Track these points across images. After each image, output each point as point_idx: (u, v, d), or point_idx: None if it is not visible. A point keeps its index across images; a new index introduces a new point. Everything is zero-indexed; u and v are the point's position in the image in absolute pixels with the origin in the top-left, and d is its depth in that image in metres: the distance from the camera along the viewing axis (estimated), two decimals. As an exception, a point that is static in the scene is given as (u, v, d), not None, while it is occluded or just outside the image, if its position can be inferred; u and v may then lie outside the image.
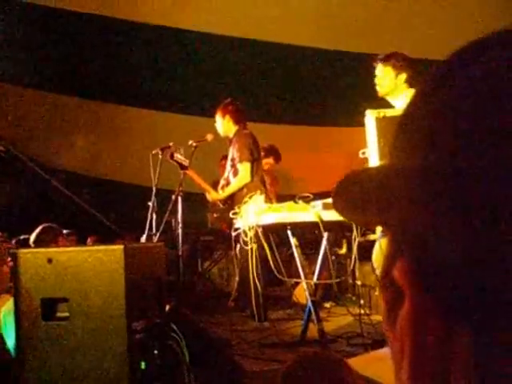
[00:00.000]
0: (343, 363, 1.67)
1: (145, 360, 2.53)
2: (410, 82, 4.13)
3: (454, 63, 0.41)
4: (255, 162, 5.52)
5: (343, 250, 6.39)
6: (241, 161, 5.46)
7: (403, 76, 4.13)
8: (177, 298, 4.61)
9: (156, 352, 2.57)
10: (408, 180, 0.39)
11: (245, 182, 5.47)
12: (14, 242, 5.31)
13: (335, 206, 0.54)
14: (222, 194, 5.74)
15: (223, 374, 3.15)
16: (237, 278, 5.54)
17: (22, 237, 5.37)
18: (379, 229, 4.17)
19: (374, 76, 4.27)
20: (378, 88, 4.23)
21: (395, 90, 4.15)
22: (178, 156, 5.60)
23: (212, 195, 5.82)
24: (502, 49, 0.38)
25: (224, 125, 5.64)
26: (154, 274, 2.84)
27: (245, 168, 5.45)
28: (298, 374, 1.59)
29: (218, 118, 5.68)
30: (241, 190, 5.50)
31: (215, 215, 6.83)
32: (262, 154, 6.62)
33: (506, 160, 0.34)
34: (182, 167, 5.65)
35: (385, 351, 3.76)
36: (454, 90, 0.39)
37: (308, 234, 6.07)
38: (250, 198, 4.86)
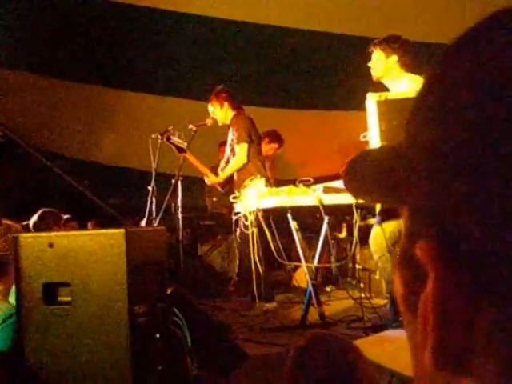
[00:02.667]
0: (353, 345, 1.67)
1: (146, 343, 2.53)
2: (405, 65, 4.12)
3: (461, 44, 0.40)
4: (253, 144, 5.50)
5: (343, 234, 6.41)
6: (238, 142, 5.46)
7: (394, 58, 4.13)
8: (177, 283, 4.62)
9: (157, 336, 2.57)
10: (427, 156, 0.39)
11: (242, 163, 5.46)
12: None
13: (346, 186, 0.54)
14: (220, 176, 5.74)
15: (225, 358, 3.16)
16: (237, 262, 5.55)
17: (24, 223, 5.36)
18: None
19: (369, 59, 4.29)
20: (372, 72, 4.24)
21: (388, 72, 4.15)
22: (175, 139, 5.59)
23: (210, 178, 5.82)
24: (504, 32, 0.37)
25: (222, 113, 5.60)
26: (155, 258, 2.83)
27: (242, 149, 5.44)
28: (308, 355, 1.59)
29: (215, 106, 5.63)
30: (240, 173, 5.49)
31: (214, 199, 6.84)
32: (267, 139, 6.62)
33: None
34: (180, 150, 5.64)
35: (385, 335, 3.77)
36: (463, 66, 0.38)
37: (307, 217, 6.09)
38: (251, 181, 4.86)
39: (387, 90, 4.12)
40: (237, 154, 5.49)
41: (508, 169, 0.34)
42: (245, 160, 5.44)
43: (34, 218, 5.04)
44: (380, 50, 4.18)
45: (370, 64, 4.23)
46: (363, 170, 0.50)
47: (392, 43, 4.17)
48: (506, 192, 0.34)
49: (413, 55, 4.17)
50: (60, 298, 2.54)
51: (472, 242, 0.36)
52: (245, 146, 5.43)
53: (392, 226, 4.13)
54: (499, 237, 0.34)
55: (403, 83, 4.09)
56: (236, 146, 5.48)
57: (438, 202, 0.38)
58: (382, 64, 4.16)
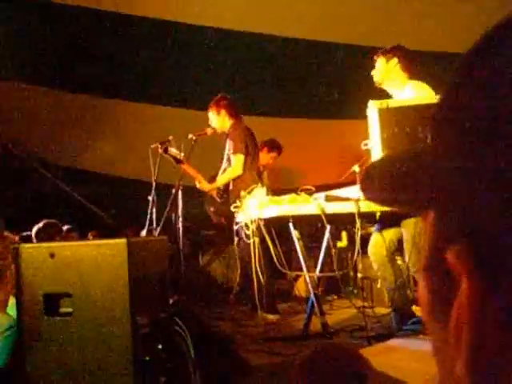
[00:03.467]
0: (360, 355, 1.65)
1: (149, 354, 2.51)
2: (406, 70, 4.13)
3: (480, 50, 0.40)
4: (250, 155, 5.49)
5: (343, 243, 6.39)
6: (234, 152, 5.46)
7: (394, 60, 4.14)
8: (179, 293, 4.60)
9: (160, 346, 2.55)
10: (453, 159, 0.38)
11: (237, 174, 5.47)
12: (17, 238, 5.29)
13: (365, 193, 0.52)
14: (214, 184, 5.75)
15: (228, 369, 3.13)
16: (239, 272, 5.53)
17: (24, 233, 5.35)
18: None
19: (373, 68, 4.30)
20: (374, 78, 4.25)
21: (388, 75, 4.16)
22: (173, 150, 5.60)
23: (202, 184, 5.81)
24: None
25: (219, 120, 5.62)
26: (157, 268, 2.81)
27: (238, 160, 5.44)
28: (315, 365, 1.58)
29: (213, 114, 5.66)
30: (236, 183, 5.49)
31: (212, 209, 6.82)
32: (266, 148, 6.62)
33: None
34: (178, 161, 5.64)
35: (388, 344, 3.76)
36: (484, 72, 0.38)
37: (308, 226, 6.07)
38: (249, 192, 4.85)
39: (389, 97, 4.12)
40: (233, 165, 5.49)
41: None
42: (240, 171, 5.44)
43: (35, 228, 5.03)
44: (380, 56, 4.20)
45: (372, 73, 4.24)
46: (383, 176, 0.49)
47: (394, 50, 4.19)
48: None
49: (414, 61, 4.18)
50: (61, 309, 2.53)
51: (506, 248, 0.34)
52: (241, 157, 5.42)
53: (391, 234, 4.13)
54: None
55: (407, 90, 4.09)
56: (232, 157, 5.48)
57: (472, 206, 0.36)
58: (383, 68, 4.18)
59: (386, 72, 4.17)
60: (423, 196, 0.42)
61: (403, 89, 4.14)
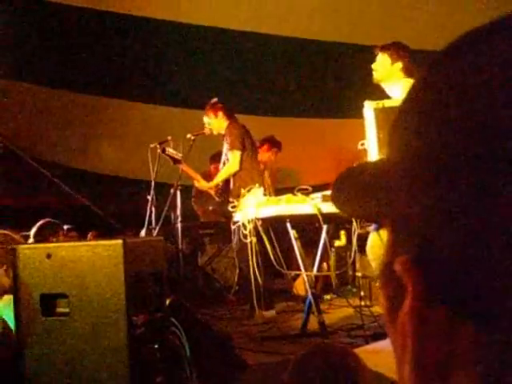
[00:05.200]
0: (354, 355, 1.67)
1: (145, 354, 2.53)
2: (407, 72, 4.12)
3: (447, 54, 0.40)
4: (246, 151, 5.51)
5: (342, 242, 6.40)
6: (231, 149, 5.49)
7: (399, 64, 4.11)
8: (177, 292, 4.61)
9: (156, 346, 2.56)
10: (405, 172, 0.39)
11: (234, 170, 5.49)
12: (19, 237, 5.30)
13: (334, 201, 0.54)
14: (211, 182, 5.77)
15: (224, 368, 3.15)
16: (237, 271, 5.55)
17: (24, 233, 5.36)
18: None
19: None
20: (373, 73, 4.22)
21: (390, 76, 4.14)
22: (170, 150, 5.62)
23: (201, 183, 5.84)
24: (494, 40, 0.37)
25: (217, 122, 5.66)
26: (153, 268, 2.83)
27: (234, 156, 5.46)
28: (309, 365, 1.59)
29: (210, 117, 5.68)
30: (235, 181, 5.52)
31: (210, 208, 6.83)
32: (266, 145, 6.63)
33: (498, 150, 0.33)
34: (175, 161, 5.67)
35: (386, 343, 3.76)
36: (446, 80, 0.38)
37: (305, 226, 6.08)
38: (249, 190, 4.86)
39: (385, 97, 4.12)
40: (229, 161, 5.52)
41: (487, 181, 0.34)
42: (237, 167, 5.47)
43: (35, 228, 5.04)
44: (387, 54, 4.16)
45: (372, 66, 4.20)
46: (349, 184, 0.50)
47: (401, 50, 4.15)
48: (484, 207, 0.34)
49: (416, 63, 4.16)
50: (58, 309, 2.54)
51: (448, 257, 0.35)
52: (237, 153, 5.45)
53: (389, 233, 4.12)
54: (476, 253, 0.34)
55: (399, 87, 4.08)
56: (229, 153, 5.52)
57: (416, 217, 0.37)
58: (385, 68, 4.14)
59: (389, 73, 4.15)
60: (379, 208, 0.43)
61: (398, 86, 4.13)
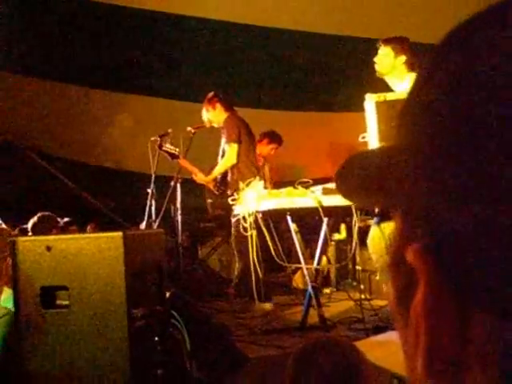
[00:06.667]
0: (355, 349, 1.66)
1: (145, 347, 2.52)
2: (411, 66, 4.10)
3: (448, 44, 0.40)
4: (244, 144, 5.51)
5: (342, 235, 6.40)
6: (228, 142, 5.49)
7: (402, 58, 4.10)
8: (176, 285, 4.61)
9: (157, 339, 2.56)
10: (413, 160, 0.38)
11: (231, 163, 5.49)
12: (17, 230, 5.30)
13: (339, 189, 0.53)
14: (209, 176, 5.77)
15: (224, 361, 3.15)
16: (237, 265, 5.55)
17: (24, 226, 5.35)
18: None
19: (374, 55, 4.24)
20: (376, 67, 4.21)
21: (393, 70, 4.12)
22: (167, 145, 5.61)
23: (198, 176, 5.83)
24: (491, 29, 0.37)
25: (216, 115, 5.64)
26: (154, 260, 2.83)
27: (231, 149, 5.46)
28: (310, 358, 1.59)
29: (209, 110, 5.67)
30: (232, 174, 5.52)
31: (209, 201, 6.84)
32: (266, 140, 6.63)
33: (499, 137, 0.33)
34: (173, 156, 5.67)
35: (386, 336, 3.76)
36: (446, 72, 0.38)
37: (306, 219, 6.08)
38: (247, 184, 4.86)
39: (386, 90, 4.11)
40: (226, 154, 5.52)
41: (498, 170, 0.33)
42: (234, 160, 5.47)
43: (32, 221, 5.04)
44: (390, 47, 4.14)
45: (375, 59, 4.19)
46: (356, 173, 0.49)
47: (404, 44, 4.15)
48: (496, 195, 0.33)
49: (418, 57, 4.16)
50: (58, 302, 2.54)
51: (461, 245, 0.35)
52: (234, 145, 5.45)
53: (391, 226, 4.11)
54: (488, 239, 0.33)
55: (406, 82, 4.07)
56: (226, 146, 5.52)
57: (426, 205, 0.37)
58: (389, 61, 4.13)
59: (393, 67, 4.14)
60: (389, 195, 0.43)
61: (403, 80, 4.12)
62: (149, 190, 5.62)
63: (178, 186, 5.74)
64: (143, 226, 5.59)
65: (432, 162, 0.36)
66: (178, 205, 5.76)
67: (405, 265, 0.39)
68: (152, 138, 5.63)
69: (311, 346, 1.65)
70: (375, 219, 4.18)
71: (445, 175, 0.35)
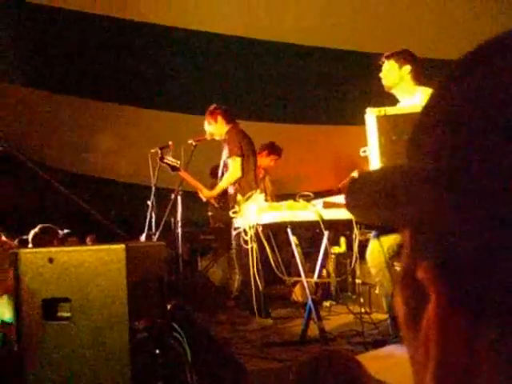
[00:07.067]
0: (358, 362, 1.67)
1: (147, 359, 2.52)
2: (416, 77, 4.11)
3: (467, 63, 0.41)
4: (246, 157, 5.51)
5: (342, 249, 6.40)
6: (230, 155, 5.47)
7: (407, 67, 4.10)
8: (177, 298, 4.60)
9: (158, 351, 2.56)
10: (428, 180, 0.39)
11: (236, 177, 5.47)
12: (16, 241, 5.31)
13: (347, 205, 0.54)
14: (214, 191, 5.75)
15: (225, 373, 3.14)
16: (237, 277, 5.54)
17: (24, 237, 5.36)
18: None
19: (379, 73, 4.25)
20: (383, 82, 4.21)
21: (401, 82, 4.12)
22: (169, 158, 5.61)
23: (204, 193, 5.82)
24: (507, 54, 0.38)
25: (217, 128, 5.64)
26: (155, 273, 2.83)
27: (235, 163, 5.45)
28: (313, 371, 1.59)
29: (210, 123, 5.67)
30: (235, 187, 5.51)
31: (210, 213, 6.84)
32: (266, 151, 6.64)
33: None
34: (174, 169, 5.66)
35: (385, 350, 3.76)
36: (467, 86, 0.39)
37: (305, 232, 6.08)
38: (247, 198, 4.86)
39: (389, 104, 4.11)
40: (230, 168, 5.50)
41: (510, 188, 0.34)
42: (239, 174, 5.45)
43: (33, 232, 5.05)
44: (393, 60, 4.15)
45: (381, 75, 4.20)
46: (365, 190, 0.50)
47: (406, 55, 4.16)
48: (508, 214, 0.34)
49: (423, 69, 4.17)
50: (60, 314, 2.54)
51: (473, 264, 0.36)
52: (238, 159, 5.44)
53: (390, 240, 4.12)
54: (498, 261, 0.34)
55: (417, 97, 4.07)
56: (229, 160, 5.50)
57: (440, 223, 0.38)
58: (395, 74, 4.13)
59: (400, 78, 4.14)
60: (399, 213, 0.43)
61: (413, 95, 4.12)
62: (149, 202, 5.63)
63: (179, 198, 5.74)
64: (143, 238, 5.58)
65: (448, 184, 0.37)
66: (179, 217, 5.75)
67: (415, 280, 0.40)
68: (152, 150, 5.64)
69: (314, 359, 1.65)
70: (374, 233, 4.18)
71: (463, 198, 0.36)
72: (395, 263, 4.28)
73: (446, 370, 0.37)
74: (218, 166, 5.96)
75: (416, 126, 0.44)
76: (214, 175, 6.45)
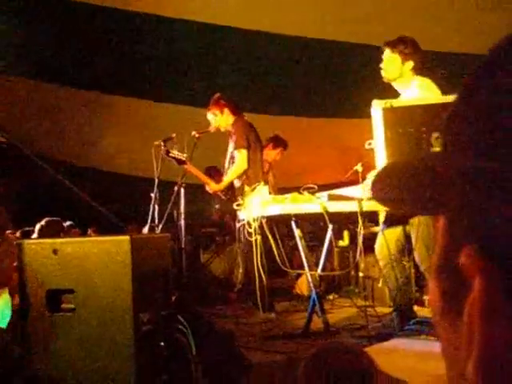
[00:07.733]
0: (365, 353, 1.65)
1: (151, 352, 2.51)
2: (417, 70, 4.08)
3: (494, 62, 0.40)
4: (252, 149, 5.49)
5: (345, 242, 6.39)
6: (237, 147, 5.46)
7: (410, 64, 4.06)
8: (179, 290, 4.60)
9: (162, 343, 2.55)
10: (467, 167, 0.39)
11: (242, 169, 5.46)
12: (19, 233, 5.30)
13: (376, 194, 0.53)
14: (221, 184, 5.74)
15: (229, 366, 3.14)
16: (240, 270, 5.53)
17: (26, 228, 5.36)
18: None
19: (381, 61, 4.20)
20: (383, 73, 4.16)
21: (401, 76, 4.10)
22: (174, 152, 5.59)
23: (211, 186, 5.81)
24: None
25: (223, 119, 5.62)
26: (160, 265, 2.82)
27: (241, 155, 5.43)
28: (322, 363, 1.58)
29: (215, 113, 5.64)
30: (240, 180, 5.49)
31: (217, 206, 6.83)
32: (272, 144, 6.62)
33: None
34: (180, 162, 5.63)
35: (390, 344, 3.75)
36: (495, 88, 0.38)
37: (309, 225, 6.07)
38: (253, 189, 4.84)
39: (395, 97, 4.09)
40: (237, 161, 5.48)
41: None
42: (245, 166, 5.44)
43: (39, 225, 5.05)
44: (397, 53, 4.09)
45: (381, 65, 4.15)
46: (397, 177, 0.49)
47: (410, 47, 4.09)
48: None
49: (425, 62, 4.13)
50: (64, 305, 2.53)
51: None
52: (244, 152, 5.42)
53: (397, 233, 4.11)
54: None
55: (412, 87, 4.05)
56: (235, 152, 5.48)
57: (480, 208, 0.37)
58: (396, 68, 4.09)
59: (400, 73, 4.10)
60: (435, 199, 0.42)
61: (409, 86, 4.10)
62: (152, 195, 5.61)
63: (182, 190, 5.72)
64: (146, 230, 5.58)
65: (488, 169, 0.37)
66: (182, 209, 5.74)
67: (454, 267, 0.38)
68: (156, 143, 5.61)
69: (323, 351, 1.64)
70: (382, 226, 4.16)
71: (502, 182, 0.35)
72: (402, 257, 4.26)
73: (490, 354, 0.36)
74: (212, 167, 5.95)
75: (454, 113, 0.42)
76: (208, 175, 6.39)
